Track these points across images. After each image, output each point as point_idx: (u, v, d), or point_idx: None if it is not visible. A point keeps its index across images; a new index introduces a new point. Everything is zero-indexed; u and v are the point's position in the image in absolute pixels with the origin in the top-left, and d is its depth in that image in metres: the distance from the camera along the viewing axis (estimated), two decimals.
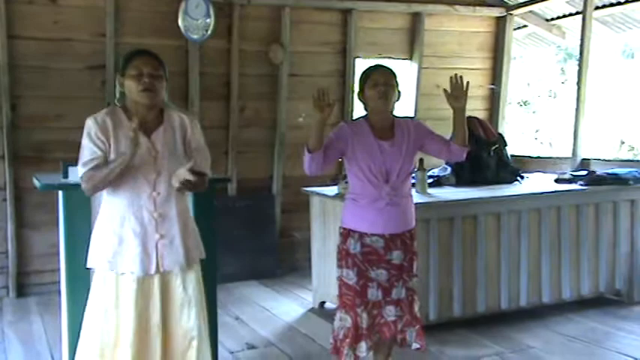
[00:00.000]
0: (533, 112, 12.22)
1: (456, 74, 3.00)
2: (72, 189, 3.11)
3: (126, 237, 2.55)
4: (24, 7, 4.89)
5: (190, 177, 2.45)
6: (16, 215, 5.00)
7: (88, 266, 2.64)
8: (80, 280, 3.11)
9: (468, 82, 2.97)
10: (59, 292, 3.36)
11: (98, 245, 2.61)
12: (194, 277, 2.67)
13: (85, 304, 3.04)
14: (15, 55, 4.89)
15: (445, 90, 2.99)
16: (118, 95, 2.64)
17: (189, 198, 2.85)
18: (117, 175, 2.49)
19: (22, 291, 5.04)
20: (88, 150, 2.53)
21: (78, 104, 5.07)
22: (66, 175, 3.18)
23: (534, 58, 10.17)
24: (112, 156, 2.52)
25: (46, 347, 3.98)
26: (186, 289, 2.63)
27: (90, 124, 2.55)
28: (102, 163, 2.51)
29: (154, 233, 2.56)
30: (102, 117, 2.56)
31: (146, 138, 2.56)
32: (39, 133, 5.01)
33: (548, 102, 12.15)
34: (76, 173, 3.11)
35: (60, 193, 3.18)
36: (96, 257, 2.61)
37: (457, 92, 2.97)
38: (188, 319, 2.62)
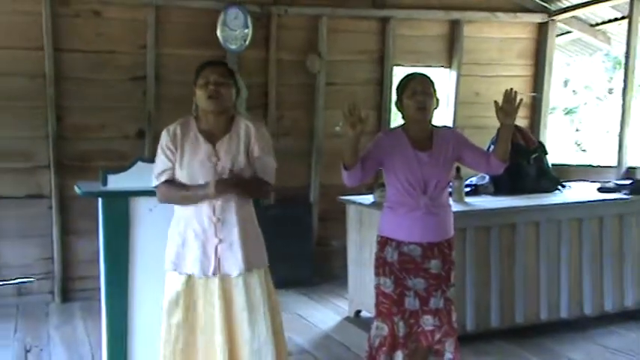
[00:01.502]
0: (575, 122, 11.93)
1: (511, 88, 2.92)
2: (111, 196, 3.20)
3: (188, 239, 2.68)
4: (69, 20, 5.05)
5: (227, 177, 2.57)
6: (62, 222, 5.14)
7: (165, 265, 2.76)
8: (118, 285, 3.19)
9: (521, 100, 2.90)
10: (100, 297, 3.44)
11: (168, 246, 2.75)
12: (257, 283, 2.73)
13: (124, 310, 3.15)
14: (61, 68, 5.05)
15: (496, 102, 2.92)
16: (194, 106, 2.76)
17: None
18: (191, 202, 2.65)
19: (67, 296, 5.18)
20: (159, 161, 2.70)
21: (120, 114, 5.21)
22: (105, 183, 3.26)
23: (581, 65, 9.94)
24: (177, 164, 2.65)
25: (89, 351, 4.08)
26: (248, 295, 2.69)
27: (163, 135, 2.72)
28: (172, 174, 2.67)
29: (214, 237, 2.66)
30: (174, 127, 2.71)
31: (210, 145, 2.67)
32: (83, 142, 5.15)
33: (595, 110, 11.85)
34: (115, 181, 3.24)
35: (99, 200, 3.26)
36: (166, 257, 2.74)
37: (509, 108, 2.89)
38: (250, 325, 2.67)
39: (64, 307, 5.04)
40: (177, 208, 2.74)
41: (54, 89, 5.01)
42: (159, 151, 2.70)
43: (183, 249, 2.68)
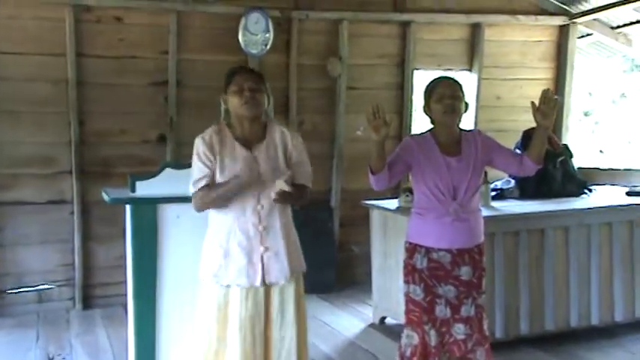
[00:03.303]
0: (595, 123, 11.82)
1: (548, 88, 2.85)
2: (139, 203, 3.17)
3: (232, 250, 2.64)
4: (92, 26, 5.03)
5: (286, 188, 2.53)
6: (83, 228, 5.12)
7: (200, 278, 2.73)
8: (146, 293, 3.16)
9: (557, 100, 2.82)
10: (124, 304, 3.41)
11: (206, 258, 2.71)
12: (294, 289, 2.72)
13: (152, 318, 3.11)
14: (83, 73, 5.03)
15: (533, 103, 2.83)
16: (223, 113, 2.75)
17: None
18: (229, 198, 2.60)
19: (87, 303, 5.14)
20: (197, 169, 2.66)
21: (141, 120, 5.19)
22: (133, 190, 3.23)
23: (598, 67, 9.83)
24: (218, 171, 2.62)
25: (112, 359, 4.05)
26: (287, 301, 2.69)
27: (198, 143, 2.68)
28: (211, 181, 2.63)
29: (259, 246, 2.64)
30: (209, 135, 2.68)
31: (248, 152, 2.65)
32: (104, 147, 5.13)
33: (612, 112, 11.75)
34: (144, 187, 3.21)
35: (128, 207, 3.24)
36: (203, 270, 2.71)
37: (547, 109, 2.80)
38: (286, 330, 2.68)
39: (85, 315, 5.00)
40: (214, 219, 2.71)
41: (76, 95, 4.99)
42: (195, 158, 2.67)
43: (226, 260, 2.64)
